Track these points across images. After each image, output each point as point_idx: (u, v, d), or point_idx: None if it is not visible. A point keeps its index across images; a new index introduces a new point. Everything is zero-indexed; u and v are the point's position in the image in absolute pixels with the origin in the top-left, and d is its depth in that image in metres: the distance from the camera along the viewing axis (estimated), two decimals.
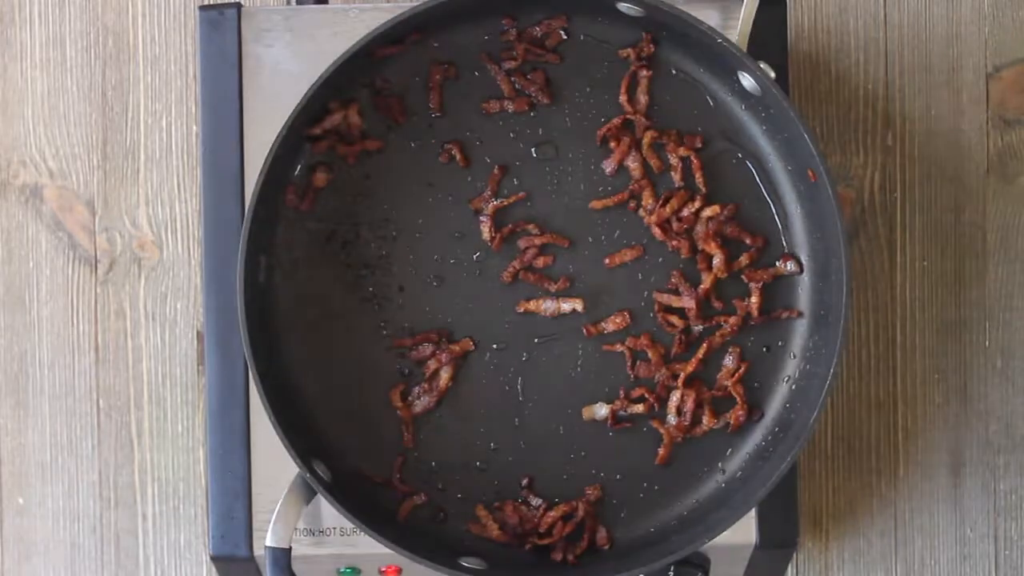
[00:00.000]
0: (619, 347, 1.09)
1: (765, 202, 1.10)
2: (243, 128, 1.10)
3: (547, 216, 1.10)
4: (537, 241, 1.09)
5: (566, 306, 1.10)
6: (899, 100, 1.27)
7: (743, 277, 1.09)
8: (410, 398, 1.09)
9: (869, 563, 1.28)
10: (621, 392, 1.09)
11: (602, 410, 1.09)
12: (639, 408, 1.09)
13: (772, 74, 1.04)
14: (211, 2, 1.14)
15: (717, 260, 1.09)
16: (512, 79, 1.10)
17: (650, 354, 1.09)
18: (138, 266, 1.27)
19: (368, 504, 1.07)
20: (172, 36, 1.28)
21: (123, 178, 1.28)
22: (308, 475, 1.03)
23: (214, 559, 1.10)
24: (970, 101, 1.28)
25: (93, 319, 1.27)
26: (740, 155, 1.10)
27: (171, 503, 1.27)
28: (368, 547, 1.07)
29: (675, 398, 1.09)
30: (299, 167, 1.09)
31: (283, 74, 1.10)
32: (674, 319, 1.09)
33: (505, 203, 1.09)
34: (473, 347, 1.10)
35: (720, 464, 1.10)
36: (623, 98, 1.09)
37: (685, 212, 1.09)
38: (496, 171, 1.09)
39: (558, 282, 1.10)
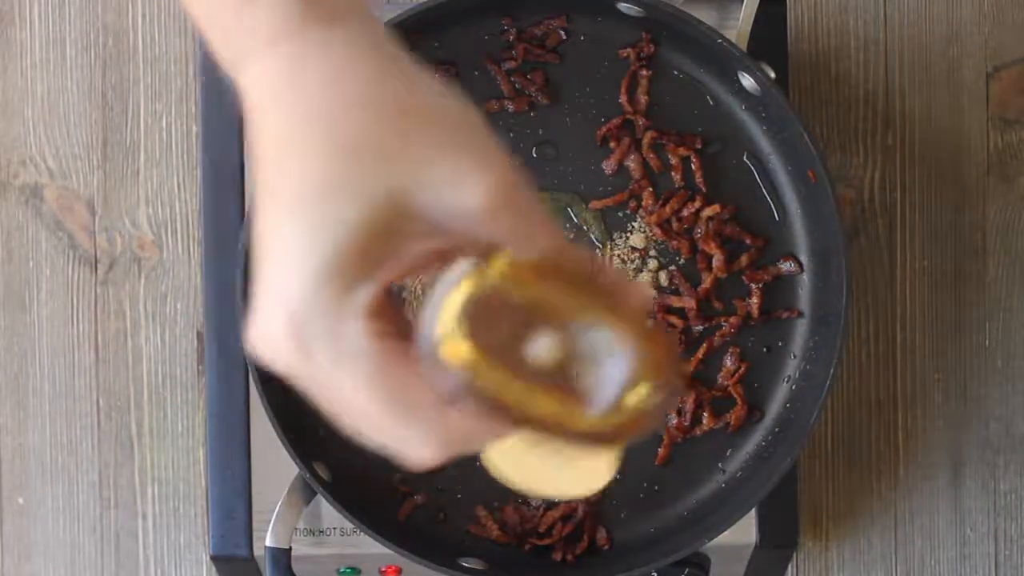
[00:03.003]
0: None
1: (765, 202, 1.10)
2: (243, 128, 1.09)
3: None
4: None
5: None
6: (899, 100, 1.27)
7: (743, 277, 1.09)
8: None
9: (869, 563, 1.28)
10: None
11: None
12: None
13: (772, 74, 1.04)
14: None
15: (717, 260, 1.09)
16: (512, 79, 1.10)
17: None
18: (138, 266, 1.27)
19: (368, 504, 1.07)
20: (172, 36, 1.28)
21: (123, 178, 1.28)
22: (308, 475, 1.03)
23: (214, 559, 1.10)
24: (970, 101, 1.28)
25: (93, 319, 1.27)
26: (740, 155, 1.10)
27: (171, 503, 1.27)
28: (368, 547, 1.06)
29: None
30: None
31: None
32: (674, 319, 1.09)
33: None
34: None
35: (720, 464, 1.09)
36: (623, 98, 1.09)
37: (685, 212, 1.09)
38: None
39: None
